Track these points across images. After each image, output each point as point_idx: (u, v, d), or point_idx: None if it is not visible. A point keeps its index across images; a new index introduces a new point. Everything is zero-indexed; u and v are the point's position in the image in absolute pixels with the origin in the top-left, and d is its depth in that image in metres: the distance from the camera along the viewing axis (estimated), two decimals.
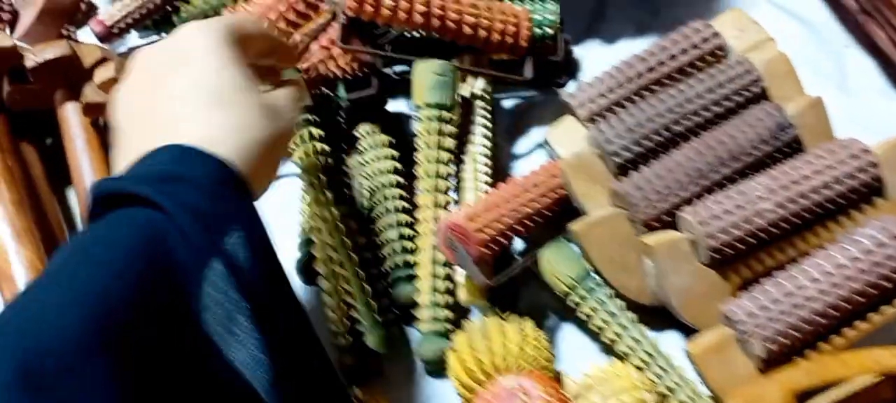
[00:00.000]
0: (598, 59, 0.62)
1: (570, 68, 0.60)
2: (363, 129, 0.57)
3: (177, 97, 0.36)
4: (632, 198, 0.49)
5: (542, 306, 0.53)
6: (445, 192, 0.52)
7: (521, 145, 0.59)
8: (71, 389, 0.26)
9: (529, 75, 0.57)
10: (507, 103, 0.61)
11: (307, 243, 0.55)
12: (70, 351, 0.27)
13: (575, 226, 0.49)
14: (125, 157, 0.36)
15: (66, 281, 0.29)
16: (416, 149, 0.53)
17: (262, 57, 0.43)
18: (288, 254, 0.57)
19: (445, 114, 0.52)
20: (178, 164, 0.33)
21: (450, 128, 0.53)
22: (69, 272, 0.30)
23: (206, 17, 0.67)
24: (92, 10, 0.73)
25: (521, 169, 0.58)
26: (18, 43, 0.60)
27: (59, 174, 0.62)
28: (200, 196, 0.32)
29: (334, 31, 0.55)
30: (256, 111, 0.37)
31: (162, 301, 0.30)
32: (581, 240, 0.49)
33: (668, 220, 0.49)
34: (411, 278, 0.54)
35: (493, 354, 0.46)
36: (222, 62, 0.37)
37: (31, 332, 0.28)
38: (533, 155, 0.59)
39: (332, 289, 0.52)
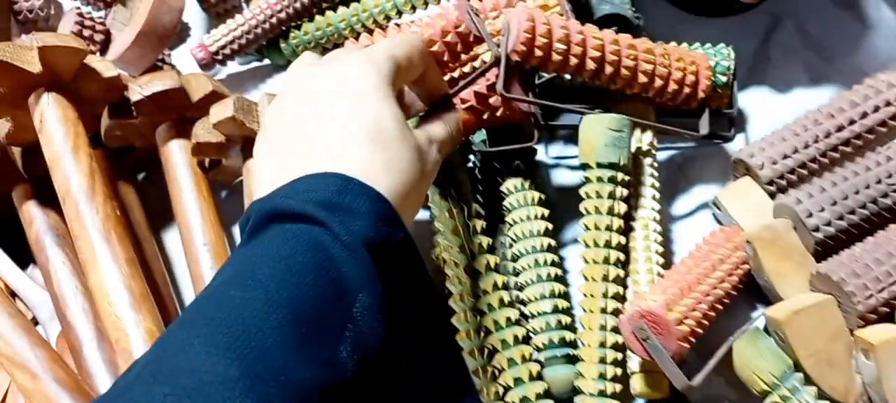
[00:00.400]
0: (766, 110, 0.55)
1: (735, 119, 0.53)
2: (511, 184, 0.50)
3: (339, 128, 0.37)
4: (847, 286, 0.42)
5: (717, 397, 0.47)
6: (617, 264, 0.46)
7: (681, 205, 0.53)
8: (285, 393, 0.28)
9: (705, 131, 0.50)
10: (662, 155, 0.55)
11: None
12: (281, 353, 0.29)
13: (776, 314, 0.43)
14: (273, 175, 0.37)
15: (259, 288, 0.30)
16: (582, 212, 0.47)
17: (413, 83, 0.43)
18: None
19: (619, 175, 0.46)
20: (343, 194, 0.34)
21: (622, 191, 0.46)
22: (260, 280, 0.31)
23: (318, 44, 0.61)
24: (184, 31, 0.67)
25: (683, 233, 0.52)
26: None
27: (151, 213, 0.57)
28: (368, 227, 0.33)
29: (486, 79, 0.48)
30: (411, 152, 0.37)
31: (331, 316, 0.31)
32: (784, 330, 0.42)
33: (885, 312, 0.43)
34: (569, 359, 0.47)
35: None
36: (384, 100, 0.37)
37: (242, 333, 0.29)
38: (696, 216, 0.52)
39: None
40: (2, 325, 0.49)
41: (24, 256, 0.56)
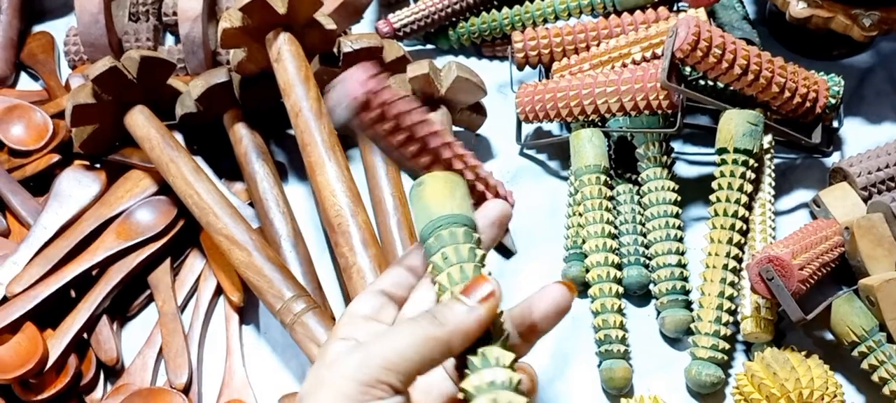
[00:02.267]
0: (858, 138, 0.66)
1: (838, 136, 0.65)
2: (649, 161, 0.61)
3: None
4: None
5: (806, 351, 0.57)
6: (740, 232, 0.56)
7: (784, 203, 0.64)
8: None
9: (818, 140, 0.61)
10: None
11: (582, 256, 0.60)
12: None
13: (871, 282, 0.53)
14: None
15: None
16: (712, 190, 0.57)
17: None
18: (554, 264, 0.61)
19: (751, 160, 0.57)
20: None
21: (751, 175, 0.57)
22: None
23: (481, 35, 0.72)
24: None
25: (785, 225, 0.62)
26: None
27: None
28: None
29: (643, 69, 0.59)
30: None
31: None
32: (876, 294, 0.52)
33: None
34: (686, 305, 0.57)
35: (799, 384, 0.49)
36: None
37: None
38: (796, 213, 0.63)
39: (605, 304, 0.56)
40: (222, 213, 0.58)
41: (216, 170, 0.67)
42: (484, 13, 0.72)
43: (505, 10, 0.72)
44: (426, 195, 0.37)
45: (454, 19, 0.73)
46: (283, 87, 0.60)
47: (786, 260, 0.50)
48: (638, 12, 0.66)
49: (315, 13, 0.62)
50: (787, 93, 0.58)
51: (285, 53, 0.60)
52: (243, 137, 0.65)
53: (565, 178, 0.66)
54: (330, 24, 0.63)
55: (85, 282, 0.60)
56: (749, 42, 0.65)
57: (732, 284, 0.55)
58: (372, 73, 0.36)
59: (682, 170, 0.66)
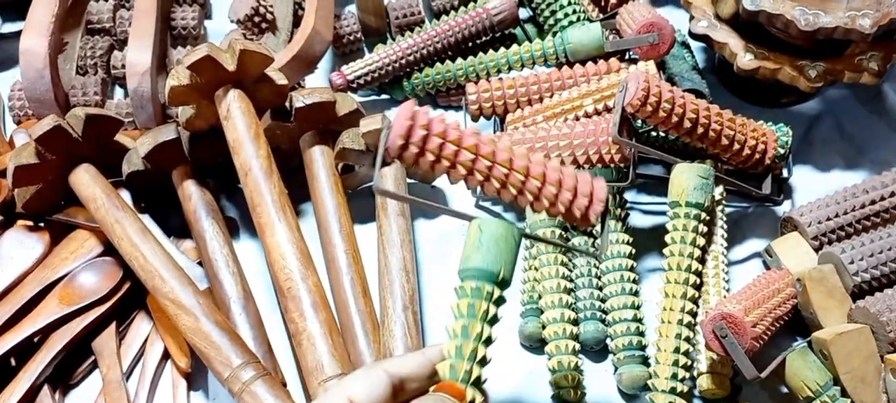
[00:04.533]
0: (808, 186, 0.67)
1: (787, 185, 0.65)
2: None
3: None
4: (883, 317, 0.53)
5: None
6: (694, 286, 0.56)
7: (736, 252, 0.64)
8: None
9: (767, 191, 0.62)
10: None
11: (537, 312, 0.59)
12: None
13: (824, 335, 0.53)
14: None
15: None
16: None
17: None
18: (510, 319, 0.61)
19: (703, 214, 0.57)
20: None
21: (703, 228, 0.57)
22: None
23: (435, 85, 0.72)
24: None
25: (737, 275, 0.62)
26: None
27: None
28: None
29: (594, 123, 0.60)
30: None
31: None
32: (828, 348, 0.53)
33: None
34: (643, 360, 0.57)
35: None
36: None
37: None
38: (749, 263, 0.63)
39: (562, 361, 0.55)
40: (169, 276, 0.57)
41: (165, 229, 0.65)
42: (438, 64, 0.72)
43: (459, 60, 0.72)
44: (470, 238, 0.43)
45: (409, 70, 0.73)
46: (233, 146, 0.59)
47: (738, 318, 0.50)
48: (589, 64, 0.66)
49: (266, 69, 0.61)
50: (736, 146, 0.59)
51: (235, 111, 0.59)
52: (192, 194, 0.63)
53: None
54: (281, 79, 0.62)
55: (26, 350, 0.58)
56: (698, 93, 0.66)
57: (688, 339, 0.55)
58: (414, 115, 0.43)
59: (637, 219, 0.66)
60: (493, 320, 0.42)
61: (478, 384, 0.41)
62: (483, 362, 0.41)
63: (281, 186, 0.57)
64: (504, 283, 0.42)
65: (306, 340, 0.51)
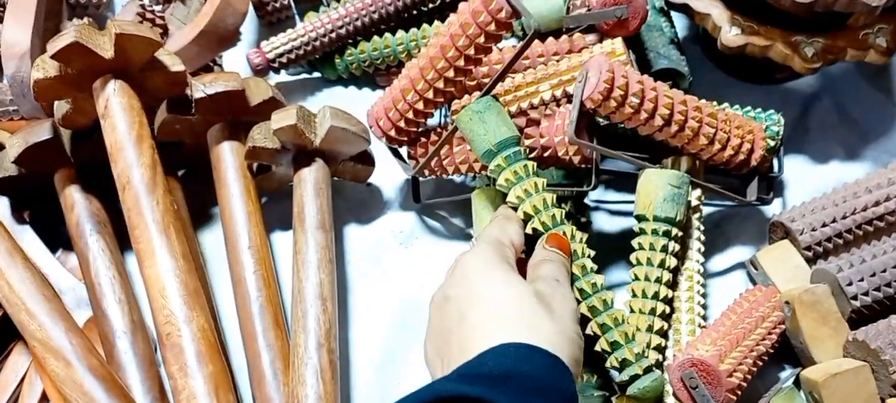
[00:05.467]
0: (802, 178, 0.57)
1: (777, 184, 0.56)
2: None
3: (499, 304, 0.38)
4: (884, 355, 0.44)
5: None
6: (662, 316, 0.47)
7: (717, 262, 0.55)
8: None
9: (753, 197, 0.52)
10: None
11: None
12: None
13: (814, 375, 0.45)
14: (443, 357, 0.38)
15: None
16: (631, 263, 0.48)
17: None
18: None
19: (674, 230, 0.48)
20: (516, 361, 0.35)
21: (674, 246, 0.48)
22: None
23: (372, 63, 0.62)
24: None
25: (717, 289, 0.53)
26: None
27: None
28: (537, 390, 0.34)
29: (548, 119, 0.50)
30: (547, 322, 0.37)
31: None
32: (820, 391, 0.44)
33: None
34: (603, 400, 0.49)
35: None
36: (509, 284, 0.39)
37: None
38: (732, 274, 0.54)
39: None
40: (38, 310, 0.48)
41: (51, 241, 0.56)
42: (376, 38, 0.62)
43: (399, 33, 0.61)
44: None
45: (341, 45, 0.62)
46: (111, 150, 0.49)
47: (712, 366, 0.42)
48: (550, 40, 0.56)
49: (155, 53, 0.51)
50: (716, 145, 0.49)
51: (113, 108, 0.49)
52: (76, 203, 0.54)
53: (469, 238, 0.57)
54: (176, 65, 0.52)
55: None
56: (677, 74, 0.56)
57: None
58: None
59: (602, 222, 0.56)
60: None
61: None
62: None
63: (167, 203, 0.47)
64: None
65: (185, 400, 0.42)
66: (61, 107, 0.52)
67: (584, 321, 0.44)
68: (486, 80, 0.54)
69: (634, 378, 0.43)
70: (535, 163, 0.47)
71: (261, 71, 0.61)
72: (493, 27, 0.47)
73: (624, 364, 0.43)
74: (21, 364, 0.52)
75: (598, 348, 0.44)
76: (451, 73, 0.50)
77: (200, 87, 0.53)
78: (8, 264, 0.49)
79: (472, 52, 0.48)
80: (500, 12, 0.46)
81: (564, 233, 0.44)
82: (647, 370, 0.43)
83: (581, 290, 0.44)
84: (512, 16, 0.47)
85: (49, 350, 0.46)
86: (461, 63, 0.49)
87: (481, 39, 0.48)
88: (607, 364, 0.44)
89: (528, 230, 0.45)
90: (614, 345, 0.43)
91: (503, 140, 0.46)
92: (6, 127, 0.57)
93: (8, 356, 0.52)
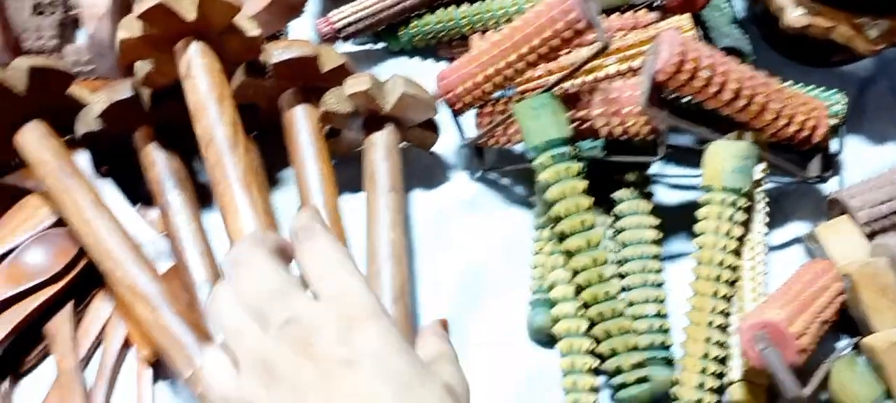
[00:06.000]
0: (859, 158, 0.58)
1: (837, 162, 0.57)
2: (625, 193, 0.53)
3: None
4: None
5: None
6: (727, 284, 0.49)
7: (776, 236, 0.56)
8: None
9: (815, 173, 0.53)
10: None
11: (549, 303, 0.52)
12: None
13: (875, 343, 0.46)
14: None
15: None
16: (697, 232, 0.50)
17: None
18: (517, 309, 0.54)
19: (741, 201, 0.49)
20: None
21: (740, 216, 0.49)
22: None
23: (436, 36, 0.64)
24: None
25: (776, 262, 0.55)
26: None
27: None
28: None
29: (614, 90, 0.51)
30: None
31: None
32: (881, 358, 0.45)
33: None
34: (667, 362, 0.50)
35: None
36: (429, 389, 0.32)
37: None
38: (790, 249, 0.56)
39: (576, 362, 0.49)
40: (124, 258, 0.50)
41: (130, 195, 0.58)
42: (440, 11, 0.63)
43: (463, 7, 0.63)
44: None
45: (407, 17, 0.64)
46: (193, 110, 0.51)
47: (782, 329, 0.43)
48: (614, 16, 0.57)
49: (234, 17, 0.53)
50: (782, 121, 0.51)
51: (196, 69, 0.51)
52: (156, 160, 0.55)
53: (532, 206, 0.58)
54: (252, 30, 0.54)
55: None
56: (740, 53, 0.57)
57: (719, 344, 0.48)
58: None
59: (664, 195, 0.58)
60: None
61: None
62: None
63: (248, 161, 0.49)
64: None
65: None
66: (143, 67, 0.53)
67: (590, 325, 0.49)
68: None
69: (623, 386, 0.48)
70: (579, 167, 0.49)
71: (328, 40, 0.63)
72: (568, 34, 0.49)
73: (617, 372, 0.48)
74: (103, 310, 0.54)
75: (598, 350, 0.48)
76: (521, 66, 0.52)
77: (276, 53, 0.55)
78: (95, 215, 0.51)
79: (544, 51, 0.51)
80: (578, 23, 0.49)
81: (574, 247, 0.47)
82: (640, 380, 0.48)
83: (594, 296, 0.48)
84: (587, 28, 0.49)
85: (136, 296, 0.48)
86: (532, 59, 0.51)
87: (556, 42, 0.50)
88: (603, 367, 0.48)
89: (557, 231, 0.48)
90: (612, 352, 0.48)
91: (551, 140, 0.49)
92: (87, 85, 0.59)
93: (90, 303, 0.54)
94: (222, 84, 0.51)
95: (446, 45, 0.64)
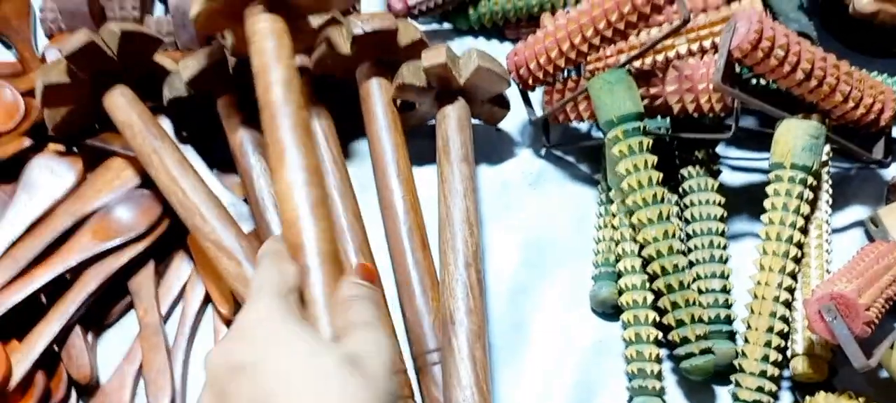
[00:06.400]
0: None
1: (892, 148, 0.58)
2: (692, 169, 0.55)
3: (307, 383, 0.32)
4: None
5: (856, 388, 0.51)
6: (794, 259, 0.50)
7: (837, 219, 0.57)
8: None
9: (880, 155, 0.55)
10: None
11: (614, 275, 0.53)
12: None
13: None
14: None
15: None
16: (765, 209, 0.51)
17: None
18: (581, 282, 0.55)
19: (810, 178, 0.50)
20: None
21: (808, 194, 0.50)
22: None
23: (504, 16, 0.65)
24: None
25: (837, 244, 0.56)
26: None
27: None
28: None
29: (688, 67, 0.53)
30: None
31: None
32: None
33: None
34: (730, 336, 0.52)
35: None
36: (315, 354, 0.33)
37: None
38: (851, 231, 0.57)
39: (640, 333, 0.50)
40: (210, 215, 0.52)
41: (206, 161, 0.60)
42: None
43: None
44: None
45: None
46: (255, 71, 0.47)
47: (852, 299, 0.44)
48: None
49: None
50: (850, 103, 0.52)
51: (257, 34, 0.48)
52: (239, 128, 0.58)
53: (596, 184, 0.60)
54: (343, 3, 0.55)
55: (57, 288, 0.53)
56: (808, 38, 0.58)
57: (783, 318, 0.49)
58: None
59: (726, 177, 0.59)
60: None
61: None
62: None
63: (299, 118, 0.45)
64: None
65: None
66: (228, 36, 0.55)
67: (657, 295, 0.50)
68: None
69: (689, 355, 0.49)
70: (651, 142, 0.50)
71: (400, 17, 0.65)
72: (647, 9, 0.51)
73: (683, 341, 0.49)
74: (184, 270, 0.56)
75: (666, 321, 0.50)
76: (597, 41, 0.53)
77: (358, 25, 0.57)
78: (181, 174, 0.53)
79: (622, 26, 0.52)
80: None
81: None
82: (705, 351, 0.49)
83: (662, 267, 0.49)
84: (667, 3, 0.50)
85: (222, 250, 0.50)
86: (609, 34, 0.53)
87: (634, 18, 0.51)
88: (670, 337, 0.50)
89: (624, 205, 0.50)
90: (679, 323, 0.49)
91: (626, 114, 0.50)
92: (168, 56, 0.62)
93: (170, 262, 0.57)
94: (281, 46, 0.48)
95: (514, 26, 0.66)
